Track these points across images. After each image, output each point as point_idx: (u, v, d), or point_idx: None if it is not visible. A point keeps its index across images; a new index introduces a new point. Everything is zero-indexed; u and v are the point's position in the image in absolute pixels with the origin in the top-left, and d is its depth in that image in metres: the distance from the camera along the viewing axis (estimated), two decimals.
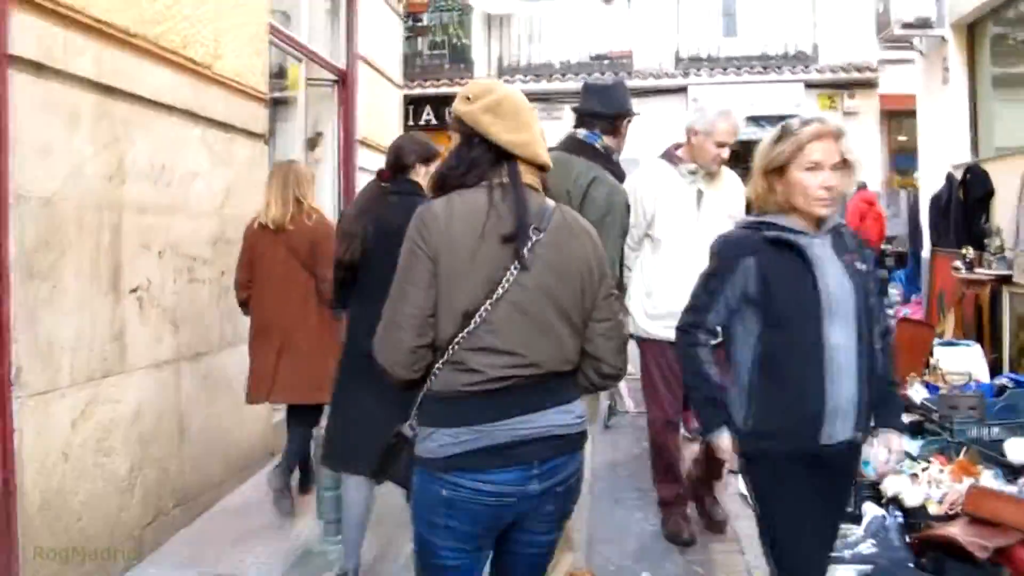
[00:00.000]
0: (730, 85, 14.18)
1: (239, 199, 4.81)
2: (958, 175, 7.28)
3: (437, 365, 1.94)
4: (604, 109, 3.39)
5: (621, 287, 3.72)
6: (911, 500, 3.65)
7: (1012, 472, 3.85)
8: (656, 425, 4.07)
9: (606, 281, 2.09)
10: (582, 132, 3.39)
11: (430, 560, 2.03)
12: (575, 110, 3.49)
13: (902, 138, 14.94)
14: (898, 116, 14.45)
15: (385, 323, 1.97)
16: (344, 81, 7.26)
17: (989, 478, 3.73)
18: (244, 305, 4.33)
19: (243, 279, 4.27)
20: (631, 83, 15.05)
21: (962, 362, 5.12)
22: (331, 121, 7.30)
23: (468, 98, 2.05)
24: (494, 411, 1.92)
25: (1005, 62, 7.60)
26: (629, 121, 3.49)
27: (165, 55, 4.03)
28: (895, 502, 3.70)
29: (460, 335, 1.90)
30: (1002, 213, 6.54)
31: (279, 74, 6.60)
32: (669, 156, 4.02)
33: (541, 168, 2.08)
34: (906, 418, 4.04)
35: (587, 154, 3.31)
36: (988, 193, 6.78)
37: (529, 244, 1.94)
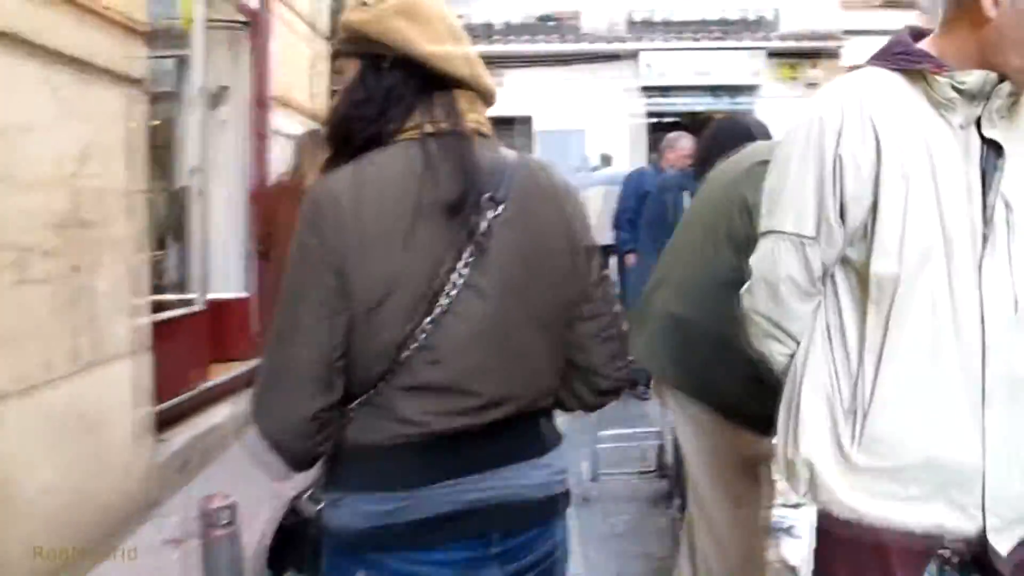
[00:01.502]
0: (686, 51, 13.47)
1: (101, 164, 3.52)
2: None
3: (351, 407, 1.32)
4: None
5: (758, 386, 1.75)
6: None
7: None
8: None
9: (594, 256, 1.47)
10: None
11: None
12: None
13: None
14: None
15: (267, 377, 1.31)
16: (255, 24, 5.97)
17: None
18: (264, 257, 4.65)
19: (261, 233, 4.57)
20: (577, 47, 14.14)
21: None
22: (239, 74, 6.01)
23: (365, 3, 1.38)
24: (433, 470, 1.31)
25: None
26: None
27: None
28: None
29: (387, 372, 1.29)
30: None
31: (167, 8, 5.23)
32: (899, 56, 1.50)
33: (486, 101, 1.43)
34: None
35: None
36: None
37: (484, 223, 1.30)
